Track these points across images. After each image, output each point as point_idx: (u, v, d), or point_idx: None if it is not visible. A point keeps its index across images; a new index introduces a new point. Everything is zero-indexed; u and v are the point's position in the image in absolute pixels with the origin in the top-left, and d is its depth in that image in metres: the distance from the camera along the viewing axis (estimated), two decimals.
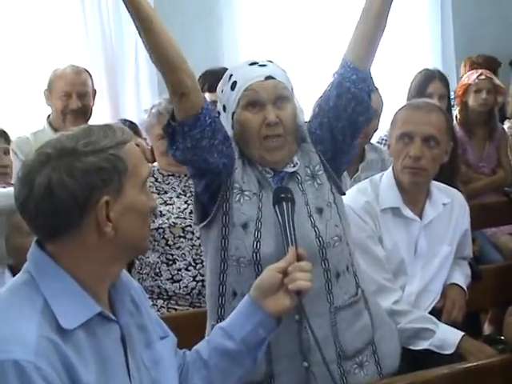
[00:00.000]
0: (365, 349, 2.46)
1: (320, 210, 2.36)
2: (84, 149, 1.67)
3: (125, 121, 4.71)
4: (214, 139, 2.27)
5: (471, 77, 4.91)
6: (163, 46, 2.15)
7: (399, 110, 3.15)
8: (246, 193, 2.36)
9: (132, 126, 4.49)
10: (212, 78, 4.19)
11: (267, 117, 2.30)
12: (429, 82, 4.52)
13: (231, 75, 2.38)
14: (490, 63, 5.70)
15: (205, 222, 2.41)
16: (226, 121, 2.40)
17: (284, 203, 2.16)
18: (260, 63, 2.38)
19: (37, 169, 1.66)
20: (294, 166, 2.39)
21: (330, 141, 2.41)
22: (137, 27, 2.14)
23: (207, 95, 4.18)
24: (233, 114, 2.36)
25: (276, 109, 2.32)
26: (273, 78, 2.33)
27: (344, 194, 2.51)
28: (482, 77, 4.87)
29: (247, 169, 2.38)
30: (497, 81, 4.92)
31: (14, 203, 1.71)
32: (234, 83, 2.35)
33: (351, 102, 2.35)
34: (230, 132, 2.39)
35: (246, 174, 2.37)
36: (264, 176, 2.37)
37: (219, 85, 2.44)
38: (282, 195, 2.18)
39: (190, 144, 2.25)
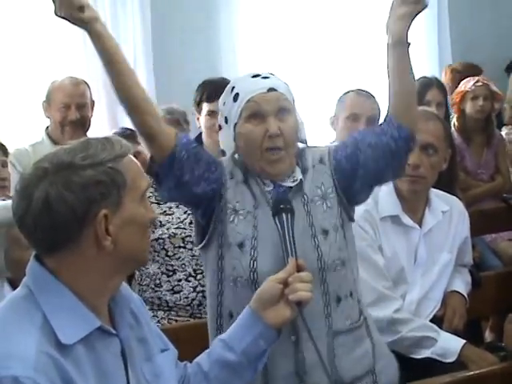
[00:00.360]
0: (365, 376, 2.41)
1: (326, 232, 2.33)
2: (82, 162, 1.66)
3: (125, 129, 4.69)
4: (198, 169, 2.29)
5: (468, 84, 4.90)
6: (127, 85, 2.18)
7: None
8: (241, 212, 2.34)
9: (132, 134, 4.45)
10: (210, 88, 4.18)
11: (269, 129, 2.28)
12: (427, 89, 4.52)
13: (233, 87, 2.37)
14: (470, 70, 5.64)
15: (202, 244, 2.41)
16: (227, 133, 2.39)
17: (284, 214, 2.14)
18: (263, 75, 2.36)
19: (34, 183, 1.65)
20: (294, 181, 2.36)
21: (349, 176, 2.38)
22: (102, 63, 2.18)
23: (205, 105, 4.18)
24: (235, 125, 2.34)
25: (278, 121, 2.30)
26: (275, 89, 2.32)
27: (353, 220, 2.46)
28: (479, 83, 4.86)
29: (241, 187, 2.36)
30: (493, 87, 4.91)
31: (13, 217, 1.71)
32: (237, 95, 2.33)
33: (387, 156, 2.32)
34: (231, 144, 2.38)
35: (239, 193, 2.36)
36: (262, 190, 2.35)
37: (221, 97, 2.43)
38: (282, 206, 2.17)
39: (172, 183, 2.27)
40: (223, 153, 2.46)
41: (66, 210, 1.63)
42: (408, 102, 2.35)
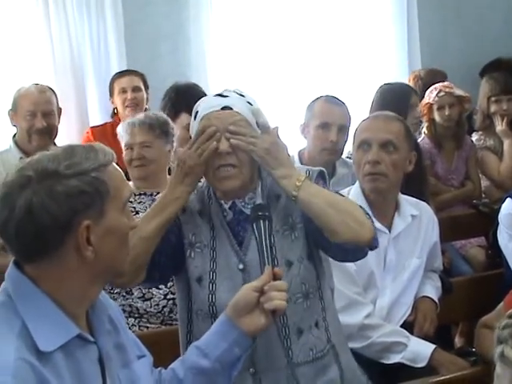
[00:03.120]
0: None
1: (289, 264, 2.29)
2: (66, 171, 1.65)
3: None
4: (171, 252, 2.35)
5: (431, 95, 4.89)
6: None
7: (362, 121, 3.17)
8: (197, 245, 2.33)
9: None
10: (189, 97, 4.14)
11: (219, 146, 2.25)
12: (410, 94, 4.56)
13: (198, 105, 2.35)
14: (433, 76, 5.63)
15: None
16: None
17: (261, 221, 2.11)
18: (224, 94, 2.32)
19: (17, 191, 1.63)
20: (252, 202, 2.31)
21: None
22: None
23: (186, 116, 4.15)
24: None
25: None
26: (230, 108, 2.27)
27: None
28: (441, 93, 4.84)
29: (196, 219, 2.36)
30: (457, 91, 4.88)
31: None
32: (196, 113, 2.32)
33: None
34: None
35: (194, 225, 2.35)
36: (222, 221, 2.33)
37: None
38: (260, 213, 2.13)
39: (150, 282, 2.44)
40: None
41: (49, 219, 1.62)
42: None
